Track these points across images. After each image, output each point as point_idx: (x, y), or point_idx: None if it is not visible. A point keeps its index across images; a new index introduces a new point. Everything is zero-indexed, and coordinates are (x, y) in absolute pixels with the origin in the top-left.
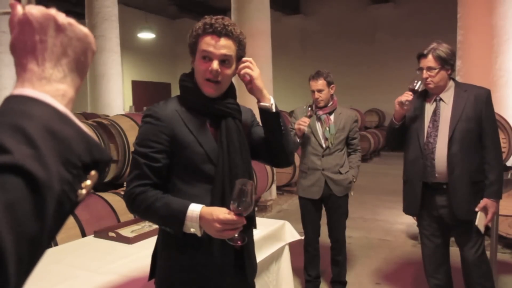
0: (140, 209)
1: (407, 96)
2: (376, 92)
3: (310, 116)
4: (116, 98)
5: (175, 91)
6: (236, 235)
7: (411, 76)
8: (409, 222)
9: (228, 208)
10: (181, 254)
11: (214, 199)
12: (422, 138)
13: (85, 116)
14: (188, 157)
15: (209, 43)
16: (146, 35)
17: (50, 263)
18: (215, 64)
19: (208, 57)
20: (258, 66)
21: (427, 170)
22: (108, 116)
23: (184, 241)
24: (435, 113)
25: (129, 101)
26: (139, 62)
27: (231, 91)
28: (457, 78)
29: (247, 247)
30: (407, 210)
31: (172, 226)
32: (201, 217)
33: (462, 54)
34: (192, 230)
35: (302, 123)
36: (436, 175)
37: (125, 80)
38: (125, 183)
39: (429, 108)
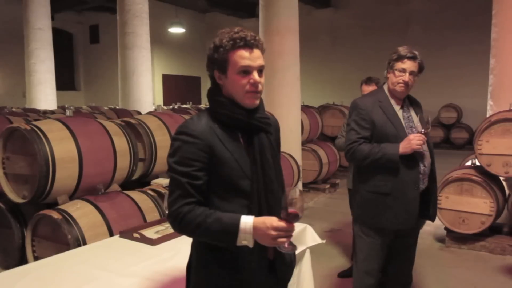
0: (191, 227)
1: (423, 140)
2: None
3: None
4: (146, 94)
5: (205, 84)
6: (286, 244)
7: (444, 69)
8: (436, 224)
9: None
10: (218, 271)
11: (252, 214)
12: None
13: (115, 112)
14: (226, 174)
15: (245, 57)
16: (177, 30)
17: (76, 263)
18: (256, 76)
19: (246, 71)
20: (285, 64)
21: None
22: (138, 111)
23: (221, 258)
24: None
25: (160, 95)
26: (169, 56)
27: (261, 104)
28: (491, 77)
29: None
30: None
31: (226, 240)
32: (255, 227)
33: (496, 52)
34: (244, 242)
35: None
36: None
37: (156, 74)
38: (151, 182)
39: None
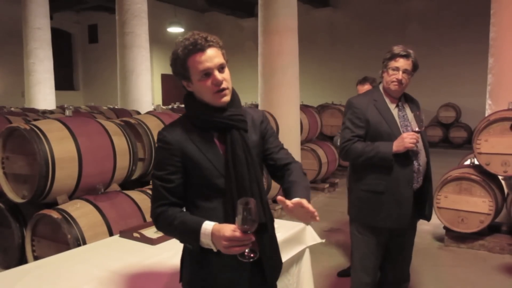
0: (163, 227)
1: (416, 138)
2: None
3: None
4: (145, 94)
5: None
6: (247, 250)
7: (443, 68)
8: (435, 223)
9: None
10: (206, 266)
11: (227, 211)
12: None
13: (115, 112)
14: (201, 174)
15: (201, 61)
16: (176, 29)
17: (77, 263)
18: (218, 75)
19: (207, 73)
20: (284, 63)
21: None
22: (137, 111)
23: (208, 254)
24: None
25: (159, 94)
26: (168, 56)
27: (235, 99)
28: (489, 77)
29: (264, 253)
30: None
31: (191, 243)
32: (212, 234)
33: (494, 51)
34: (208, 246)
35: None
36: None
37: (155, 74)
38: (151, 181)
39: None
